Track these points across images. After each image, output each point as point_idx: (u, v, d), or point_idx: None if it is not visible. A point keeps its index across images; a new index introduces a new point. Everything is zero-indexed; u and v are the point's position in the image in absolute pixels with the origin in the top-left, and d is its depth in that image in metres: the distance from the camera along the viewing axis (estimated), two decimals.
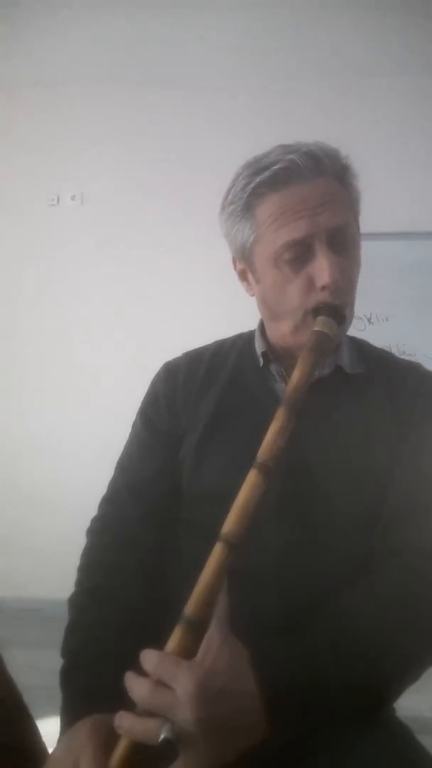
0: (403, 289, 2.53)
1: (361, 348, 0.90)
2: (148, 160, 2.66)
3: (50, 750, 0.64)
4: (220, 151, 2.56)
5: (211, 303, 2.47)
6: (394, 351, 2.44)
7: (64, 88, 2.66)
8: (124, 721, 0.54)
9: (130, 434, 0.93)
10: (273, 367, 0.85)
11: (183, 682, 0.52)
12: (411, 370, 0.87)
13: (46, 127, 2.71)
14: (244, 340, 0.92)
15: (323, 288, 0.74)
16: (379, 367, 0.86)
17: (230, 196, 0.79)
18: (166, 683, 0.53)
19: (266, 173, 0.73)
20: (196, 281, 2.59)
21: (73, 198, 2.72)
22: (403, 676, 0.63)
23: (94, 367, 2.67)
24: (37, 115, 2.71)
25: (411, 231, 2.49)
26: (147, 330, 2.63)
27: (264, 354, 0.86)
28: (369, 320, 2.50)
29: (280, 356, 0.85)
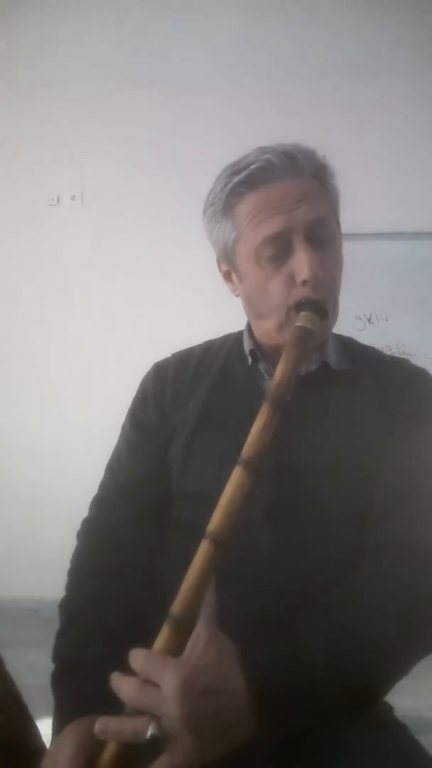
0: (403, 289, 2.52)
1: (348, 345, 0.90)
2: (148, 160, 2.66)
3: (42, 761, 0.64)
4: (220, 151, 2.54)
5: (211, 303, 2.46)
6: (394, 351, 2.44)
7: (64, 88, 2.66)
8: (108, 725, 0.54)
9: (120, 435, 0.93)
10: (261, 366, 0.86)
11: (168, 679, 0.52)
12: (398, 365, 0.88)
13: (46, 127, 2.71)
14: (233, 340, 0.93)
15: (304, 283, 0.74)
16: (366, 364, 0.86)
17: (211, 198, 0.81)
18: (153, 681, 0.53)
19: (244, 173, 0.75)
20: (195, 281, 2.58)
21: (73, 198, 2.72)
22: (393, 671, 0.63)
23: (93, 367, 2.67)
24: (37, 115, 2.71)
25: (411, 231, 2.49)
26: (147, 329, 2.62)
27: (252, 352, 0.86)
28: (369, 320, 2.49)
29: (268, 354, 0.86)
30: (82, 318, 2.70)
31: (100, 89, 2.66)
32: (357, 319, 2.46)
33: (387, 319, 2.52)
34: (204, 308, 2.52)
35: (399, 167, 2.52)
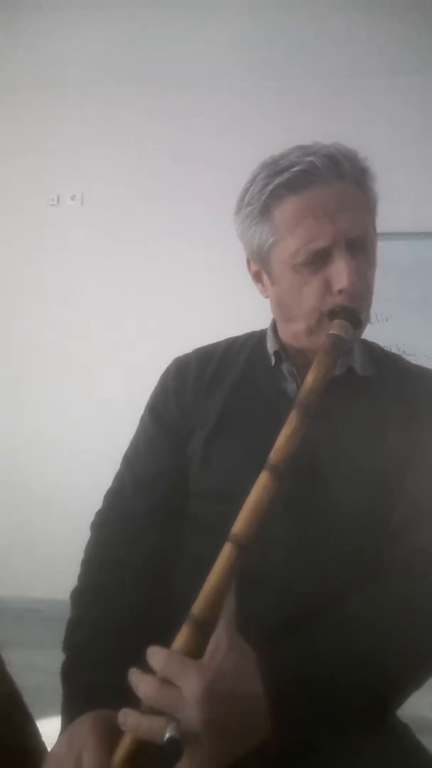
0: (403, 289, 2.53)
1: (372, 350, 0.89)
2: (148, 160, 2.66)
3: (50, 750, 0.64)
4: (220, 151, 2.56)
5: (212, 302, 2.47)
6: (394, 351, 2.43)
7: (64, 88, 2.66)
8: (129, 718, 0.54)
9: (138, 428, 0.92)
10: (284, 367, 0.85)
11: (190, 683, 0.52)
12: (422, 375, 0.87)
13: (46, 127, 2.71)
14: (256, 339, 0.92)
15: (340, 291, 0.73)
16: (390, 371, 0.86)
17: (247, 197, 0.78)
18: (173, 682, 0.53)
19: (285, 175, 0.72)
20: (196, 280, 2.59)
21: (73, 198, 2.72)
22: (408, 683, 0.63)
23: (94, 367, 2.67)
24: (37, 115, 2.71)
25: (411, 231, 2.49)
26: (147, 329, 2.63)
27: (276, 353, 0.85)
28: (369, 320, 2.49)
29: (292, 356, 0.85)
30: (83, 317, 2.70)
31: (100, 89, 2.66)
32: None
33: (387, 319, 2.52)
34: (205, 307, 2.53)
35: (400, 168, 2.52)
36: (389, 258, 2.55)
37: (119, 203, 2.69)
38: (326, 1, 2.11)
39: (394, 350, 2.42)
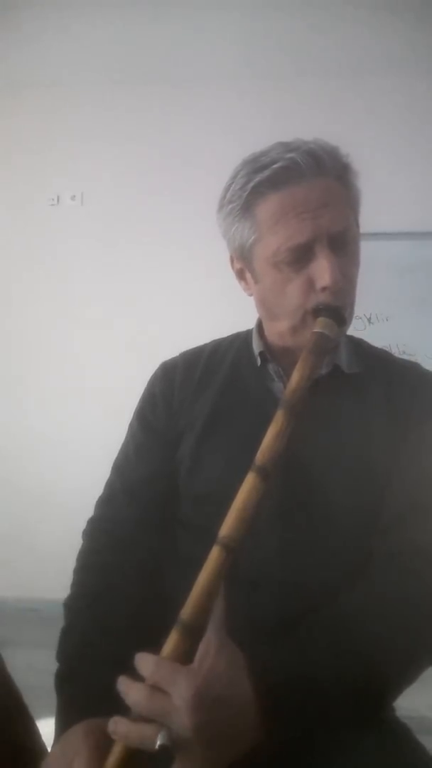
0: (403, 289, 2.52)
1: (359, 347, 0.89)
2: (148, 160, 2.66)
3: (50, 750, 0.64)
4: (220, 150, 2.55)
5: (212, 302, 2.47)
6: (394, 351, 2.44)
7: (64, 88, 2.66)
8: (119, 726, 0.53)
9: (127, 435, 0.92)
10: (271, 367, 0.85)
11: (180, 689, 0.51)
12: (409, 369, 0.87)
13: (46, 127, 2.71)
14: (242, 340, 0.92)
15: (323, 289, 0.73)
16: (378, 367, 0.85)
17: (229, 195, 0.78)
18: (163, 689, 0.52)
19: (266, 172, 0.72)
20: (196, 280, 2.59)
21: (73, 198, 2.72)
22: (401, 679, 0.63)
23: (94, 367, 2.67)
24: (37, 115, 2.71)
25: (411, 231, 2.49)
26: (147, 329, 2.62)
27: (261, 354, 0.85)
28: (369, 320, 2.50)
29: (277, 356, 0.85)
30: (83, 318, 2.70)
31: (100, 89, 2.66)
32: (357, 319, 2.43)
33: (387, 319, 2.52)
34: (205, 307, 2.53)
35: (399, 167, 2.52)
36: (389, 258, 2.56)
37: (119, 203, 2.69)
38: (326, 1, 2.11)
39: (393, 350, 2.43)
